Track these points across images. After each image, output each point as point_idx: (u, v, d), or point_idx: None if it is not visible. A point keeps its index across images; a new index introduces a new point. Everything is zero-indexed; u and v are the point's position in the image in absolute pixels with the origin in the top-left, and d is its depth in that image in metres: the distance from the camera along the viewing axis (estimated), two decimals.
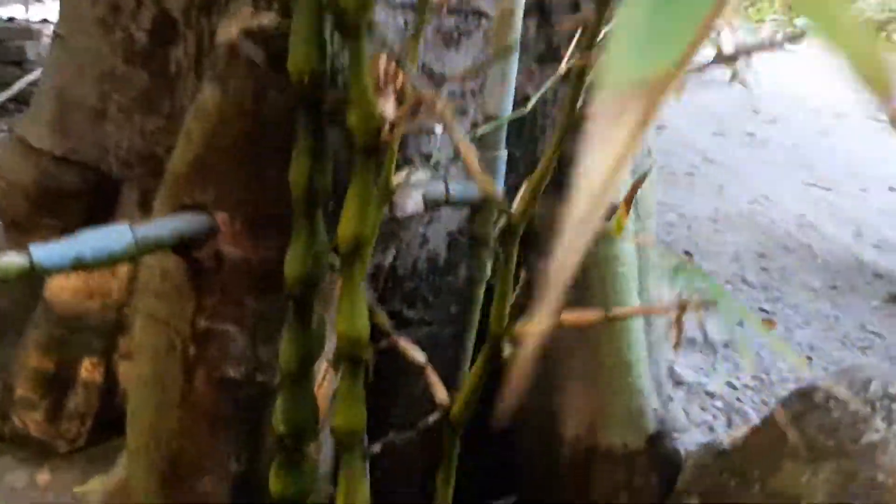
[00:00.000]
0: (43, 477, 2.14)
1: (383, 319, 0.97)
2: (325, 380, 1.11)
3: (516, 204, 0.85)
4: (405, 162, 1.31)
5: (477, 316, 1.51)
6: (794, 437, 1.18)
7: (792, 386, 2.65)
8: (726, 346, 2.81)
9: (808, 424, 1.19)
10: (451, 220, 1.55)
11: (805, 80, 8.02)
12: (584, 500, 1.54)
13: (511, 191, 1.54)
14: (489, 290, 1.58)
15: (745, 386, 2.56)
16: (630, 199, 0.88)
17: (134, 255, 1.15)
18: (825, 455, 1.14)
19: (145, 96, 1.82)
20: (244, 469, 1.34)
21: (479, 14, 1.40)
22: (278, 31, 1.12)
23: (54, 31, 1.84)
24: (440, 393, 0.94)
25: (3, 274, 1.07)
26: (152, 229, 1.17)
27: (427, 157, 1.41)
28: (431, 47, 1.38)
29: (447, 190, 1.36)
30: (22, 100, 5.37)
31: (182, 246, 1.22)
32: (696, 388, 2.44)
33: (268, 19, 1.10)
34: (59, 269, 1.11)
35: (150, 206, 1.95)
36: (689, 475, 1.40)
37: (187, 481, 1.34)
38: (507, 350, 0.84)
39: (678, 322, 0.69)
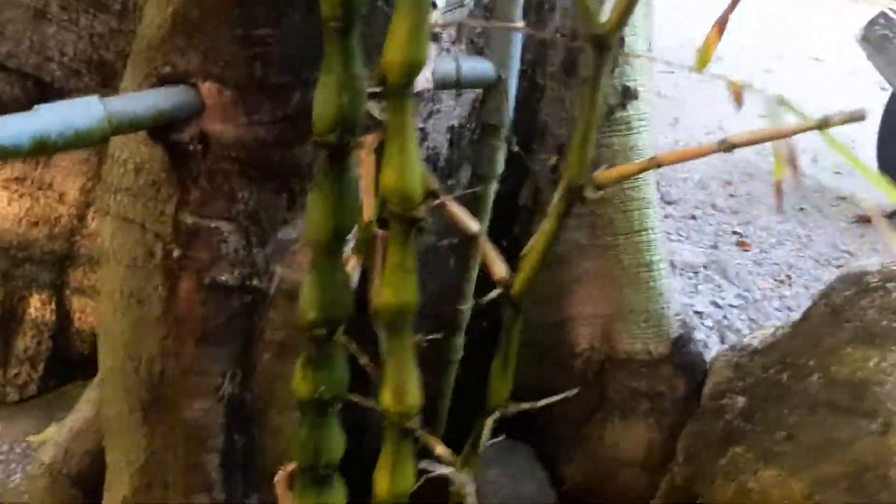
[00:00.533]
0: None
1: (431, 180, 0.82)
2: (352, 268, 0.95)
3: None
4: None
5: (486, 223, 1.37)
6: (851, 321, 1.09)
7: (776, 304, 2.60)
8: (705, 267, 2.74)
9: (863, 308, 1.10)
10: (451, 113, 1.39)
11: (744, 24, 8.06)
12: (598, 415, 1.44)
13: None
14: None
15: (730, 305, 2.50)
16: (723, 23, 0.74)
17: (105, 135, 0.97)
18: (892, 337, 1.06)
19: None
20: (238, 390, 1.19)
21: None
22: None
23: None
24: (499, 268, 0.80)
25: None
26: (126, 104, 0.99)
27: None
28: None
29: (458, 68, 1.20)
30: None
31: (160, 128, 1.04)
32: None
33: None
34: (17, 151, 0.92)
35: None
36: (721, 378, 1.30)
37: (173, 407, 1.18)
38: (590, 193, 0.71)
39: None
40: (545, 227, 0.75)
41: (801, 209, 3.41)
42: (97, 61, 1.67)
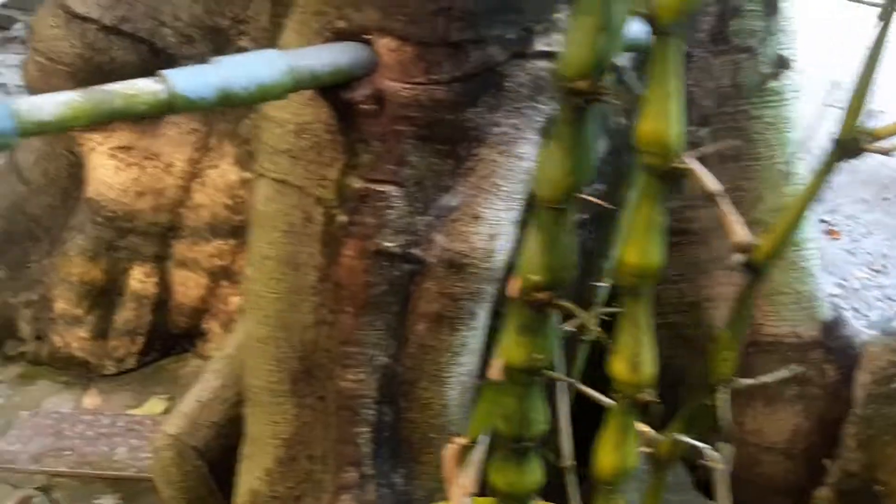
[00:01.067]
0: (91, 400, 1.92)
1: None
2: None
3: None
4: None
5: None
6: None
7: (876, 293, 2.52)
8: None
9: None
10: None
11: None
12: (740, 399, 1.38)
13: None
14: None
15: (831, 294, 2.42)
16: None
17: (286, 90, 0.93)
18: None
19: None
20: (390, 361, 1.15)
21: None
22: None
23: None
24: (739, 232, 0.75)
25: (135, 104, 0.84)
26: (306, 58, 0.95)
27: None
28: None
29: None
30: None
31: (330, 86, 0.99)
32: None
33: None
34: (203, 103, 0.88)
35: None
36: (883, 362, 1.24)
37: (326, 378, 1.14)
38: (868, 146, 0.65)
39: None
40: (807, 187, 0.70)
41: (886, 199, 3.32)
42: (210, 27, 1.63)
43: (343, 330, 1.11)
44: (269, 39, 1.59)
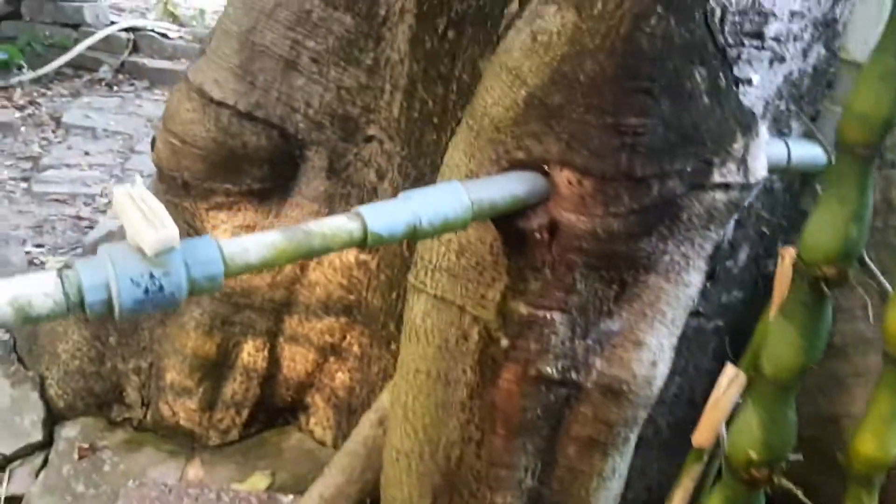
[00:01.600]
0: (195, 471, 1.93)
1: None
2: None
3: None
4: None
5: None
6: None
7: None
8: None
9: None
10: None
11: None
12: None
13: None
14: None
15: None
16: None
17: (467, 223, 0.92)
18: None
19: (345, 45, 1.59)
20: (537, 485, 1.12)
21: None
22: None
23: None
24: None
25: (332, 243, 0.84)
26: (486, 190, 0.94)
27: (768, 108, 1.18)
28: None
29: (789, 153, 1.12)
30: (79, 64, 5.15)
31: (503, 215, 0.98)
32: None
33: None
34: (391, 238, 0.88)
35: (338, 173, 1.72)
36: None
37: (470, 497, 1.12)
38: None
39: None
40: None
41: None
42: (341, 115, 1.65)
43: (493, 450, 1.09)
44: (398, 130, 1.60)
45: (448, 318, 1.09)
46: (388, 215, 0.87)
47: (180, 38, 5.61)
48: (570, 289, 1.01)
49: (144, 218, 0.73)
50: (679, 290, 1.06)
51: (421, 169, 1.57)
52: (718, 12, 0.99)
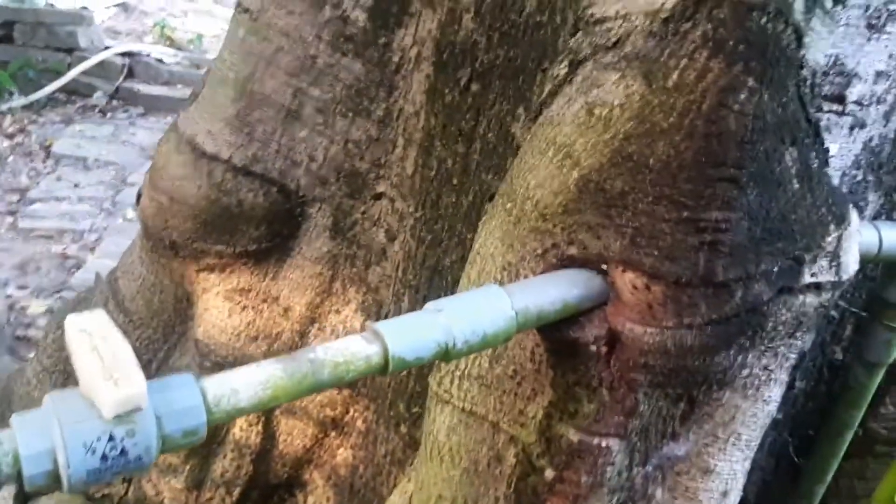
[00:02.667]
0: None
1: None
2: None
3: None
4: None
5: (860, 414, 1.10)
6: None
7: None
8: None
9: None
10: None
11: None
12: None
13: None
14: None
15: None
16: None
17: (510, 337, 0.75)
18: None
19: (353, 94, 1.42)
20: None
21: None
22: None
23: (239, 4, 1.44)
24: None
25: (345, 373, 0.67)
26: (531, 295, 0.77)
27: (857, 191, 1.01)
28: (848, 34, 0.98)
29: (880, 239, 0.95)
30: (72, 90, 5.00)
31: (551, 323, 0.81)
32: None
33: None
34: (419, 362, 0.70)
35: (343, 232, 1.55)
36: None
37: None
38: None
39: None
40: None
41: None
42: (348, 170, 1.48)
43: None
44: (412, 188, 1.44)
45: (478, 436, 0.91)
46: (413, 333, 0.70)
47: (177, 63, 5.47)
48: (631, 412, 0.83)
49: (103, 367, 0.55)
50: (757, 408, 0.89)
51: (437, 234, 1.40)
52: (810, 79, 0.82)
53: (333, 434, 1.72)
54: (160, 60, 5.38)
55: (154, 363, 1.76)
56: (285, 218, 1.51)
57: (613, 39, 0.80)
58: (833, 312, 1.20)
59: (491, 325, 0.73)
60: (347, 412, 1.69)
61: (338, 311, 1.61)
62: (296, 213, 1.51)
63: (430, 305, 0.73)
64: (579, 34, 0.86)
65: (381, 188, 1.49)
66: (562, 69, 0.86)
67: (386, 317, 1.57)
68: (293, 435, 1.72)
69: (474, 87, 1.27)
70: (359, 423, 1.69)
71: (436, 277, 1.42)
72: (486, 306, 0.74)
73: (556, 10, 1.09)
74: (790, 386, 1.20)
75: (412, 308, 1.47)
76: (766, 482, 1.33)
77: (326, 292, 1.60)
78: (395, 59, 1.40)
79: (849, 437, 1.13)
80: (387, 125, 1.44)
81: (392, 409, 1.55)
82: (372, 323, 0.70)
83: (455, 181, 1.35)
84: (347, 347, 0.67)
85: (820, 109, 1.00)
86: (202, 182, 1.45)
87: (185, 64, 5.44)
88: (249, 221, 1.49)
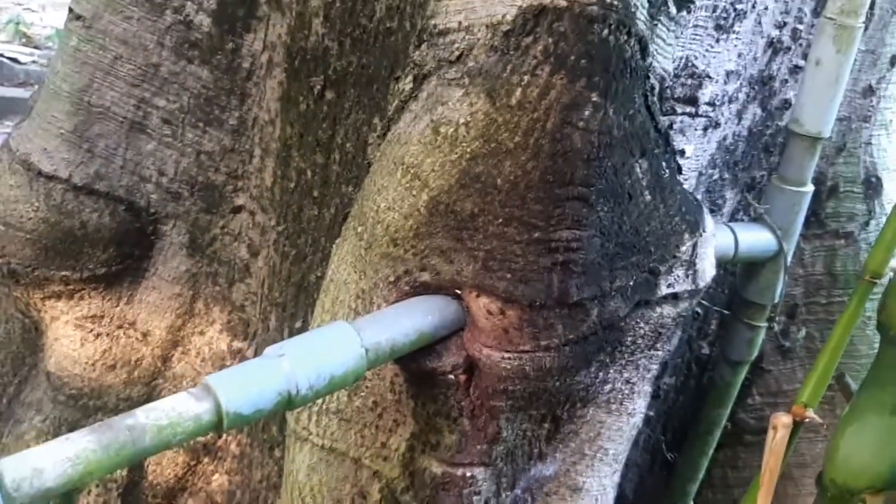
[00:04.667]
0: None
1: None
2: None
3: None
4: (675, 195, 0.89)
5: (727, 412, 1.12)
6: None
7: None
8: None
9: None
10: None
11: None
12: None
13: None
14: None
15: None
16: None
17: (360, 376, 0.70)
18: None
19: (203, 103, 1.33)
20: None
21: None
22: None
23: (70, 11, 1.32)
24: None
25: (171, 437, 0.60)
26: (383, 329, 0.72)
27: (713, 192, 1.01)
28: (698, 35, 0.97)
29: (736, 242, 0.96)
30: None
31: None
32: None
33: None
34: (259, 415, 0.65)
35: (202, 250, 1.46)
36: None
37: None
38: None
39: None
40: None
41: None
42: (202, 183, 1.39)
43: None
44: (272, 201, 1.36)
45: (340, 474, 0.86)
46: (251, 384, 0.64)
47: (34, 62, 5.14)
48: (494, 439, 0.80)
49: None
50: (622, 422, 0.87)
51: (301, 248, 1.33)
52: (658, 87, 0.81)
53: (207, 460, 1.63)
54: (15, 60, 5.03)
55: (4, 398, 1.62)
56: (136, 237, 1.40)
57: (456, 53, 0.76)
58: (698, 309, 1.21)
59: (339, 365, 0.68)
60: (220, 437, 1.61)
61: (202, 333, 1.52)
62: (147, 231, 1.41)
63: (270, 350, 0.68)
64: (423, 46, 0.81)
65: (239, 201, 1.41)
66: (407, 84, 0.82)
67: (254, 336, 1.49)
68: (163, 465, 1.62)
69: (329, 94, 1.21)
70: (233, 447, 1.61)
71: (302, 294, 1.35)
72: (333, 346, 0.69)
73: (405, 17, 1.05)
74: (658, 383, 1.20)
75: (280, 326, 1.40)
76: (642, 478, 1.34)
77: (188, 313, 1.51)
78: (246, 65, 1.31)
79: (717, 434, 1.15)
80: (241, 134, 1.36)
81: (266, 432, 1.48)
82: (207, 376, 0.64)
83: (316, 193, 1.28)
84: (173, 408, 0.61)
85: (673, 112, 0.99)
86: (39, 204, 1.33)
87: (42, 63, 5.11)
88: (96, 244, 1.38)
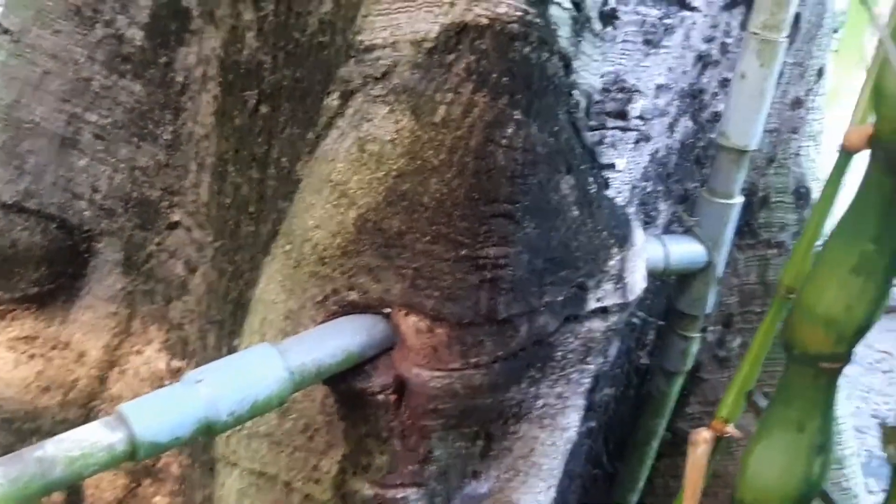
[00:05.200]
0: None
1: None
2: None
3: None
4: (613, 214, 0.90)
5: (664, 423, 1.13)
6: None
7: None
8: None
9: None
10: None
11: None
12: None
13: None
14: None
15: None
16: None
17: (285, 399, 0.69)
18: None
19: (136, 118, 1.31)
20: None
21: (684, 4, 1.01)
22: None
23: None
24: None
25: (83, 468, 0.59)
26: (308, 350, 0.71)
27: (645, 209, 1.02)
28: (627, 50, 0.98)
29: (667, 254, 0.97)
30: None
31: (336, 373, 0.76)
32: None
33: None
34: (177, 442, 0.63)
35: (138, 267, 1.43)
36: None
37: None
38: None
39: None
40: None
41: None
42: (137, 199, 1.36)
43: None
44: (209, 216, 1.34)
45: (271, 498, 0.84)
46: (168, 412, 0.63)
47: None
48: (426, 459, 0.79)
49: None
50: (555, 437, 0.87)
51: (238, 265, 1.31)
52: (584, 103, 0.81)
53: (147, 482, 1.60)
54: None
55: None
56: (69, 256, 1.37)
57: (382, 70, 0.76)
58: (635, 320, 1.22)
59: (262, 389, 0.67)
60: (160, 458, 1.57)
61: (139, 352, 1.49)
62: (81, 249, 1.38)
63: (189, 375, 0.66)
64: (351, 62, 0.81)
65: (175, 217, 1.39)
66: (334, 100, 0.81)
67: (193, 354, 1.47)
68: (101, 488, 1.59)
69: (263, 109, 1.19)
70: (174, 468, 1.58)
71: (240, 311, 1.33)
72: (256, 369, 0.68)
73: (336, 31, 1.04)
74: (595, 396, 1.21)
75: (218, 344, 1.38)
76: (586, 490, 1.34)
77: (125, 332, 1.47)
78: (180, 79, 1.29)
79: (656, 444, 1.15)
80: (176, 149, 1.34)
81: (206, 452, 1.45)
82: (121, 405, 0.62)
83: (252, 208, 1.27)
84: (86, 438, 0.59)
85: (604, 126, 1.00)
86: None
87: None
88: (27, 263, 1.34)
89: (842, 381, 1.31)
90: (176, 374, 1.48)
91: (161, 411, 0.62)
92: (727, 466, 1.09)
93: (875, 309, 0.43)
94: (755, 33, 0.94)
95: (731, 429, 0.73)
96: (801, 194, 1.19)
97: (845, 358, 0.44)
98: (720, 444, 0.73)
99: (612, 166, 1.03)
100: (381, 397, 0.77)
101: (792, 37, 1.13)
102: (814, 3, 1.17)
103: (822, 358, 0.44)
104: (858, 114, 0.54)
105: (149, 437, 0.61)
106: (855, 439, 1.26)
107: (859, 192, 0.42)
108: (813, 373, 0.44)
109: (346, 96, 0.79)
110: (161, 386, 1.48)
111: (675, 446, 1.30)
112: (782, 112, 1.19)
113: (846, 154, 0.58)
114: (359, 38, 0.80)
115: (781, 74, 1.15)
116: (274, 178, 1.23)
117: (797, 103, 1.19)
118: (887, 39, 0.35)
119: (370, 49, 0.78)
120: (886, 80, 0.38)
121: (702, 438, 0.74)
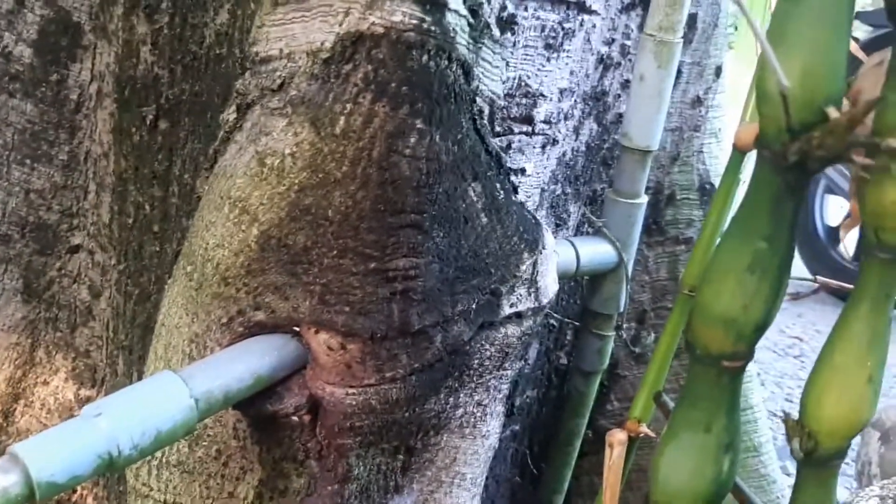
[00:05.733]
0: None
1: None
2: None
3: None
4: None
5: (585, 422, 1.14)
6: None
7: None
8: None
9: None
10: None
11: None
12: None
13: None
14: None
15: None
16: None
17: (191, 429, 0.67)
18: None
19: (29, 139, 1.25)
20: None
21: (582, 8, 1.02)
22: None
23: None
24: None
25: None
26: (214, 376, 0.69)
27: (556, 210, 1.02)
28: (529, 55, 0.99)
29: (577, 256, 0.97)
30: None
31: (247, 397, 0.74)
32: None
33: None
34: (76, 481, 0.60)
35: (38, 294, 1.36)
36: None
37: None
38: None
39: None
40: None
41: None
42: (35, 223, 1.30)
43: None
44: (111, 238, 1.29)
45: None
46: (65, 449, 0.59)
47: None
48: (345, 478, 0.78)
49: None
50: (477, 445, 0.87)
51: (144, 287, 1.26)
52: (487, 110, 0.81)
53: None
54: None
55: None
56: None
57: (279, 82, 0.74)
58: (553, 321, 1.23)
59: (166, 420, 0.64)
60: (75, 491, 1.51)
61: (46, 383, 1.42)
62: None
63: (87, 409, 0.63)
64: (247, 74, 0.79)
65: (76, 240, 1.33)
66: (231, 114, 0.79)
67: (102, 382, 1.41)
68: None
69: (162, 125, 1.16)
70: (89, 500, 1.51)
71: (149, 335, 1.28)
72: (158, 398, 0.65)
73: (234, 43, 1.01)
74: (515, 400, 1.21)
75: (128, 370, 1.33)
76: (514, 493, 1.34)
77: (28, 363, 1.40)
78: (74, 97, 1.24)
79: (578, 443, 1.16)
80: (74, 170, 1.28)
81: (121, 483, 1.40)
82: (14, 445, 0.59)
83: (156, 228, 1.22)
84: None
85: (511, 132, 1.00)
86: None
87: None
88: None
89: (754, 368, 1.35)
90: (86, 403, 1.42)
91: (58, 448, 0.59)
92: (649, 459, 1.11)
93: (772, 307, 0.44)
94: (651, 35, 0.96)
95: (644, 429, 0.74)
96: (706, 191, 1.22)
97: (747, 356, 0.45)
98: (637, 442, 0.74)
99: (520, 171, 1.04)
100: (294, 418, 0.74)
101: (689, 37, 1.16)
102: (709, 3, 1.20)
103: (724, 357, 0.45)
104: (748, 113, 0.55)
105: (46, 477, 0.57)
106: (769, 426, 1.30)
107: (749, 191, 0.42)
108: (716, 372, 0.45)
109: (244, 109, 0.77)
110: (71, 417, 1.42)
111: (599, 444, 1.31)
112: (683, 111, 1.22)
113: (739, 153, 0.59)
114: (254, 49, 0.78)
115: (680, 74, 1.18)
116: (177, 195, 1.19)
117: (697, 102, 1.22)
118: (764, 40, 0.35)
119: (266, 60, 0.76)
120: (766, 80, 0.39)
121: (617, 440, 0.74)
